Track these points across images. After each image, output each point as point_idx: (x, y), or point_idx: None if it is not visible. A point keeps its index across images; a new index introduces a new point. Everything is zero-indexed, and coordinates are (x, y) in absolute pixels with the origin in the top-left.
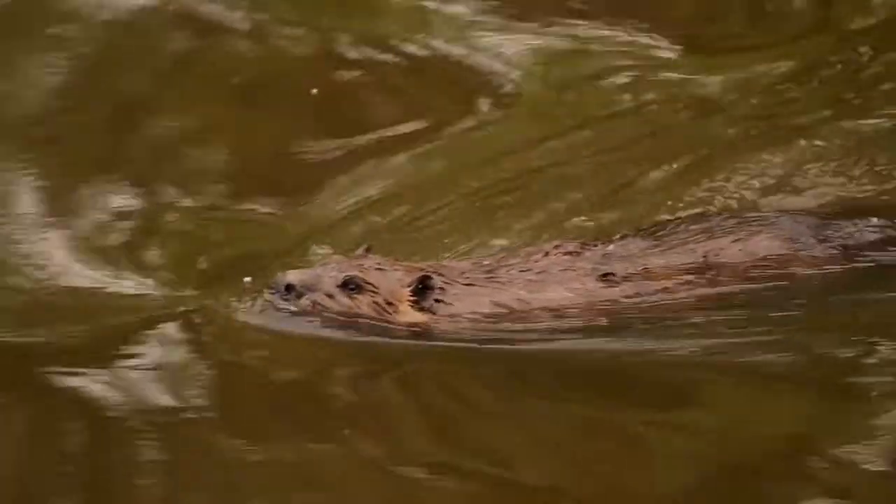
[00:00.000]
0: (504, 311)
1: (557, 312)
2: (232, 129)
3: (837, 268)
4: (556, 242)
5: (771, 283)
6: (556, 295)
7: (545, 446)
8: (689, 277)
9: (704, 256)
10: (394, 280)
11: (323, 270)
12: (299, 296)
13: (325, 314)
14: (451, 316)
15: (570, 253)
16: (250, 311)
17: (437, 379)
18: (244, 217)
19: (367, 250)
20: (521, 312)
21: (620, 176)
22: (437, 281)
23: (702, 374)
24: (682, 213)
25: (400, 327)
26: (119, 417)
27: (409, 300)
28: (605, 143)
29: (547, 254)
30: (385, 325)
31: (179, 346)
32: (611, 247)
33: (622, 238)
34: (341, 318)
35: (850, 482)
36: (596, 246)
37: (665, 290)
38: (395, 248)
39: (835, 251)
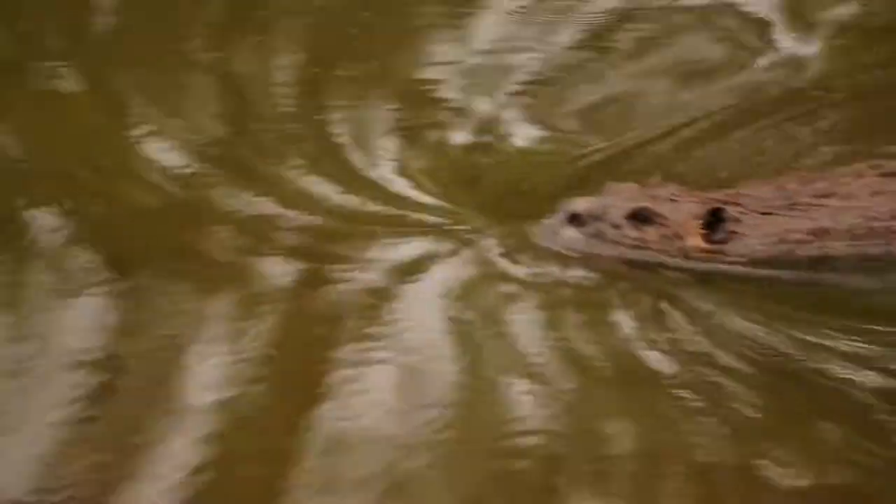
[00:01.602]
0: (802, 242)
1: (861, 242)
2: None
3: None
4: (876, 161)
5: None
6: (859, 222)
7: None
8: None
9: None
10: (685, 212)
11: (612, 199)
12: (583, 224)
13: (612, 244)
14: (745, 248)
15: (888, 174)
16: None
17: None
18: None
19: (662, 178)
20: (821, 243)
21: None
22: (730, 213)
23: None
24: None
25: (688, 261)
26: None
27: (700, 233)
28: None
29: (861, 175)
30: (672, 258)
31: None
32: None
33: None
34: (628, 249)
35: None
36: None
37: None
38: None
39: None
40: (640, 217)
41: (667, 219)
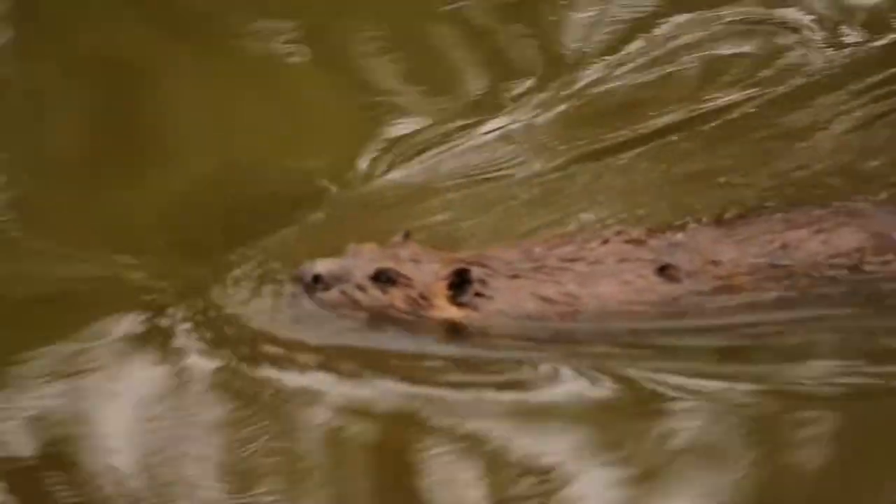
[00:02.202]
0: (548, 306)
1: (608, 309)
2: None
3: None
4: (618, 228)
5: (854, 283)
6: (608, 290)
7: None
8: (762, 273)
9: (782, 248)
10: (430, 272)
11: (354, 260)
12: (327, 287)
13: (355, 308)
14: (492, 311)
15: (632, 241)
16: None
17: None
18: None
19: (406, 237)
20: (568, 308)
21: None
22: (476, 273)
23: None
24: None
25: (435, 323)
26: None
27: (445, 294)
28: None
29: (606, 241)
30: (419, 320)
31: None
32: (679, 235)
33: (693, 226)
34: (372, 312)
35: None
36: (664, 234)
37: (733, 287)
38: (442, 236)
39: None
40: (383, 278)
41: (410, 279)
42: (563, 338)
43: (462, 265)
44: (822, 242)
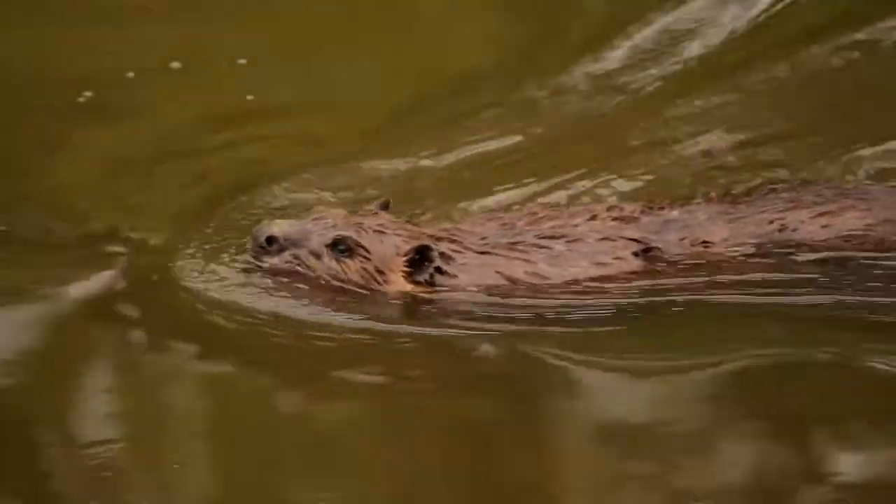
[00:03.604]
0: (513, 286)
1: (579, 292)
2: None
3: None
4: (612, 203)
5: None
6: (578, 271)
7: None
8: (753, 253)
9: (780, 230)
10: (391, 246)
11: (314, 225)
12: (281, 250)
13: (308, 275)
14: (453, 290)
15: (622, 218)
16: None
17: None
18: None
19: (385, 207)
20: (536, 289)
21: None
22: (442, 249)
23: None
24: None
25: (389, 300)
26: None
27: (402, 270)
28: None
29: (594, 217)
30: (372, 295)
31: None
32: (675, 212)
33: (697, 201)
34: (323, 283)
35: None
36: (662, 209)
37: (721, 266)
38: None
39: None
40: (340, 247)
41: (369, 252)
42: (527, 320)
43: (426, 241)
44: (822, 226)
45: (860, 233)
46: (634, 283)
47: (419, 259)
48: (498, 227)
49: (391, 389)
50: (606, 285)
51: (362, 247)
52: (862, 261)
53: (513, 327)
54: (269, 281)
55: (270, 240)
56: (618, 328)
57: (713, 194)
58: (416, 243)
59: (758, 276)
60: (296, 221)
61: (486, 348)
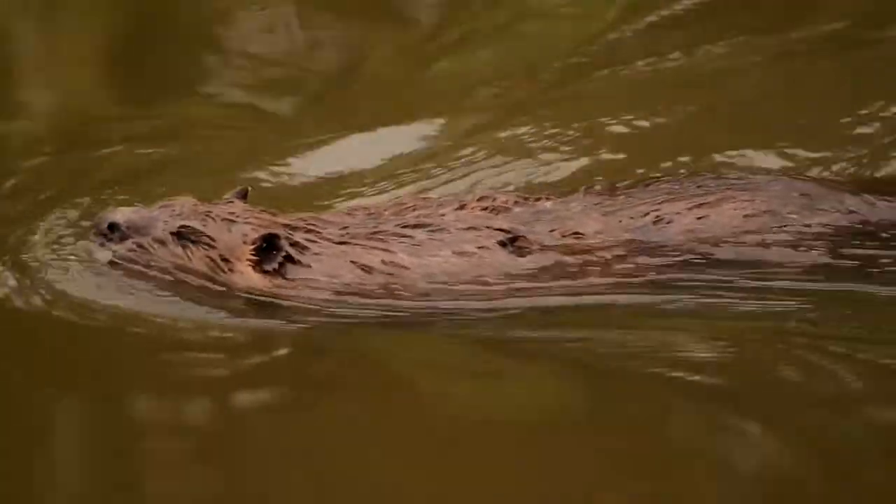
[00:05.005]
0: (369, 277)
1: (436, 285)
2: None
3: (827, 259)
4: (485, 194)
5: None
6: (439, 261)
7: None
8: (621, 249)
9: (654, 222)
10: (238, 234)
11: (160, 212)
12: (123, 238)
13: (151, 265)
14: (304, 282)
15: (492, 208)
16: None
17: None
18: None
19: (243, 197)
20: (391, 281)
21: None
22: (285, 241)
23: None
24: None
25: (236, 292)
26: None
27: (249, 260)
28: None
29: (462, 206)
30: (218, 287)
31: None
32: (548, 203)
33: (577, 194)
34: (168, 273)
35: None
36: (538, 200)
37: (589, 263)
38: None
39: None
40: (185, 235)
41: (214, 240)
42: (386, 316)
43: (277, 230)
44: (698, 218)
45: (737, 225)
46: (504, 281)
47: (267, 248)
48: (363, 217)
49: (223, 385)
50: (471, 278)
51: (206, 235)
52: (727, 257)
53: (365, 322)
54: (111, 270)
55: (113, 227)
56: (474, 330)
57: (597, 186)
58: (264, 231)
59: (630, 269)
60: (141, 208)
61: (331, 344)
